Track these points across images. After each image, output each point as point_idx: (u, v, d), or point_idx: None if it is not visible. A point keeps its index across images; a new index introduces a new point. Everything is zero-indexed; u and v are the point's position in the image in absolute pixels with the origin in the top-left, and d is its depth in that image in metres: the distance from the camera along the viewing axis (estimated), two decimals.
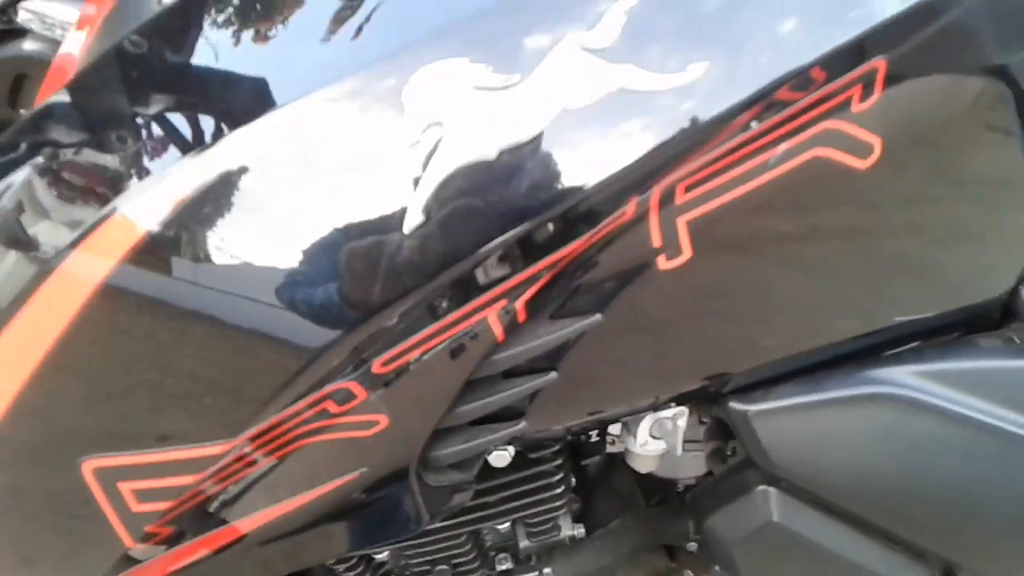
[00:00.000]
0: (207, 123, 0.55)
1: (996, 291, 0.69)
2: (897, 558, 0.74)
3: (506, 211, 0.48)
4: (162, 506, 0.55)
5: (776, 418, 0.67)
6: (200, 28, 0.64)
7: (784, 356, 0.65)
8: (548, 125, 0.47)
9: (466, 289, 0.50)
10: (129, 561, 0.58)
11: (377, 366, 0.51)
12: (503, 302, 0.51)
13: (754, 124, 0.50)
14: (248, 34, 0.60)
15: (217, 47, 0.61)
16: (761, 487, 0.71)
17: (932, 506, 0.71)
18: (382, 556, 0.87)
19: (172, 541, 0.57)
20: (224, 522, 0.57)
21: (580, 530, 0.87)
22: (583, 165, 0.48)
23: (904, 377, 0.68)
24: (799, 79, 0.49)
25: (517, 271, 0.50)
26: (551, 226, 0.49)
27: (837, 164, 0.55)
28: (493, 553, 0.88)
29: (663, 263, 0.55)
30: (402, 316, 0.49)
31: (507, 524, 0.86)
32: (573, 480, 0.88)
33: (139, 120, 0.59)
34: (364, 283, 0.48)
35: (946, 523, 0.72)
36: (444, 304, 0.50)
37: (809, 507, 0.71)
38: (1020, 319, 0.71)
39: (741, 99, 0.48)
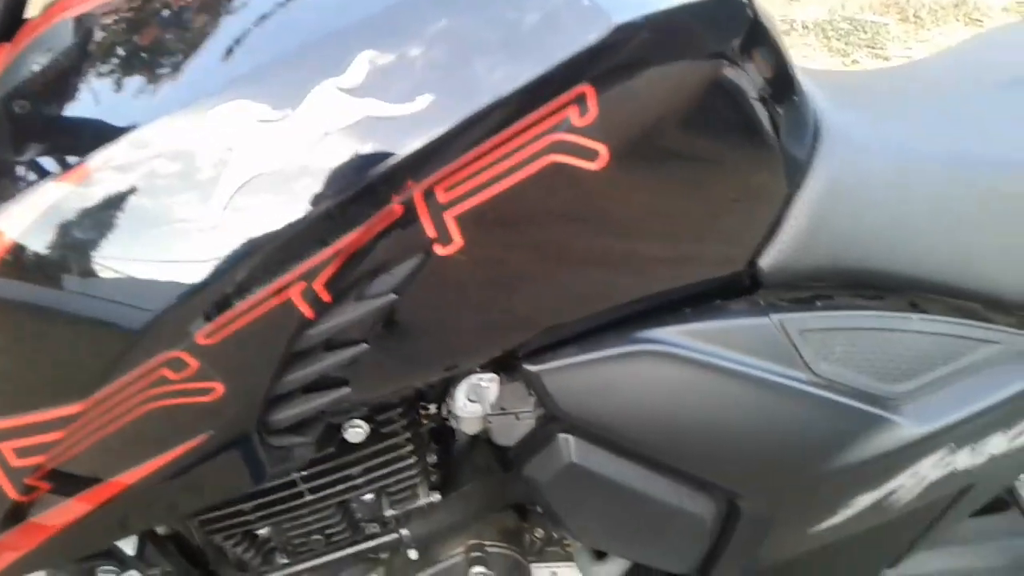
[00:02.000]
0: (72, 158, 0.69)
1: (736, 265, 0.83)
2: (684, 490, 0.89)
3: (286, 208, 0.62)
4: (36, 460, 0.67)
5: (563, 375, 0.81)
6: (66, 84, 0.77)
7: (561, 322, 0.80)
8: (313, 145, 0.62)
9: (264, 272, 0.63)
10: (15, 519, 0.70)
11: (200, 338, 0.64)
12: (301, 284, 0.65)
13: (488, 139, 0.65)
14: (99, 87, 0.74)
15: (78, 98, 0.75)
16: (562, 435, 0.85)
17: (702, 444, 0.86)
18: (264, 532, 0.99)
19: (48, 499, 0.70)
20: (96, 481, 0.70)
21: (436, 496, 1.00)
22: (343, 174, 0.62)
23: (668, 336, 0.82)
24: (512, 106, 0.64)
25: (303, 258, 0.64)
26: (326, 222, 0.63)
27: (571, 167, 0.67)
28: (362, 523, 1.01)
29: (440, 250, 0.69)
30: (214, 295, 0.63)
31: (371, 495, 0.99)
32: (434, 456, 1.02)
33: (19, 163, 0.72)
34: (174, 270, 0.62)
35: (716, 458, 0.87)
36: (250, 285, 0.64)
37: (603, 449, 0.85)
38: (763, 286, 0.87)
39: (461, 121, 0.63)
